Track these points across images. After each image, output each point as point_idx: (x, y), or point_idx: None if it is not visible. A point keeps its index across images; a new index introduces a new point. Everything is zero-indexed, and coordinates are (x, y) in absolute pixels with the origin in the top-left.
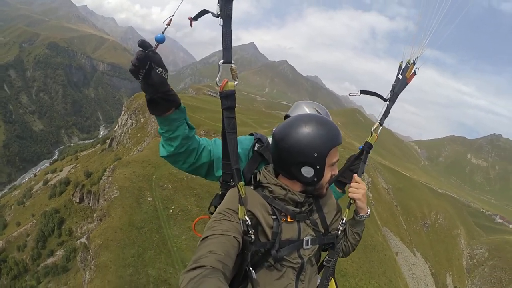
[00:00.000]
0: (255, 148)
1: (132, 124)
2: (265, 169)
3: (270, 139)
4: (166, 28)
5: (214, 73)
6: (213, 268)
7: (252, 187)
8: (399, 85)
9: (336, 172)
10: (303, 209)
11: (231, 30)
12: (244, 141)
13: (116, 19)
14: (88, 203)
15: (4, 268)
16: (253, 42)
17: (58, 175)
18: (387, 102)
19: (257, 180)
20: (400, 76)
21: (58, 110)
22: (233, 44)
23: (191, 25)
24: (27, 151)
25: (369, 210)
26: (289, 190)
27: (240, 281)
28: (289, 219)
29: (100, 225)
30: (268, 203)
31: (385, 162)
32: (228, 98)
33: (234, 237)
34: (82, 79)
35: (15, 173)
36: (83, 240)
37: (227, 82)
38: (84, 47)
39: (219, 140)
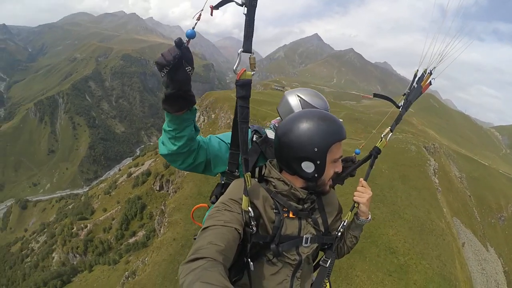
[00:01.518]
0: (254, 139)
1: (204, 120)
2: (270, 163)
3: (267, 131)
4: (196, 23)
5: (279, 68)
6: (213, 260)
7: (256, 180)
8: (414, 94)
9: (340, 169)
10: (305, 206)
11: (254, 20)
12: None
13: (181, 27)
14: (167, 190)
15: (91, 246)
16: (317, 34)
17: (140, 168)
18: (400, 109)
19: (262, 173)
20: (415, 85)
21: (137, 113)
22: (297, 37)
23: (211, 14)
24: (111, 151)
25: (370, 216)
26: (291, 185)
27: (236, 273)
28: (291, 215)
29: (175, 195)
30: (271, 197)
31: (461, 150)
32: (244, 87)
33: (235, 228)
34: (156, 85)
35: (101, 170)
36: (162, 207)
37: (245, 71)
38: (155, 55)
39: (214, 137)
